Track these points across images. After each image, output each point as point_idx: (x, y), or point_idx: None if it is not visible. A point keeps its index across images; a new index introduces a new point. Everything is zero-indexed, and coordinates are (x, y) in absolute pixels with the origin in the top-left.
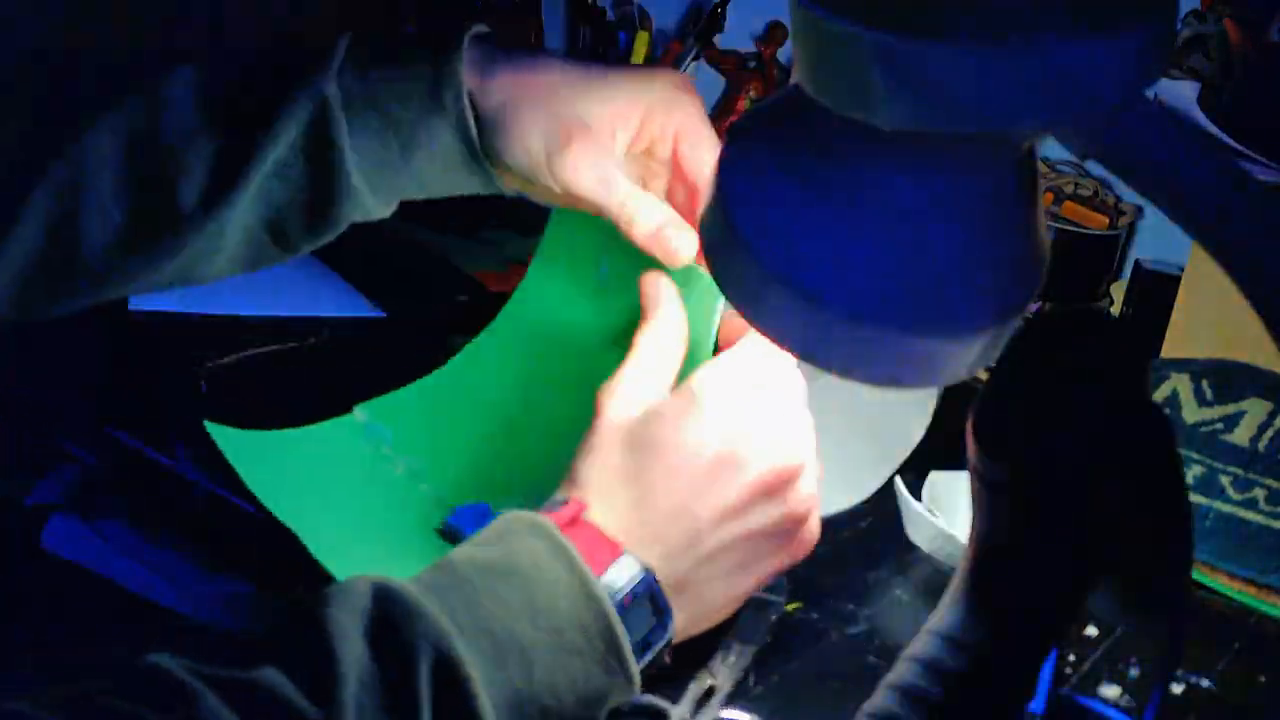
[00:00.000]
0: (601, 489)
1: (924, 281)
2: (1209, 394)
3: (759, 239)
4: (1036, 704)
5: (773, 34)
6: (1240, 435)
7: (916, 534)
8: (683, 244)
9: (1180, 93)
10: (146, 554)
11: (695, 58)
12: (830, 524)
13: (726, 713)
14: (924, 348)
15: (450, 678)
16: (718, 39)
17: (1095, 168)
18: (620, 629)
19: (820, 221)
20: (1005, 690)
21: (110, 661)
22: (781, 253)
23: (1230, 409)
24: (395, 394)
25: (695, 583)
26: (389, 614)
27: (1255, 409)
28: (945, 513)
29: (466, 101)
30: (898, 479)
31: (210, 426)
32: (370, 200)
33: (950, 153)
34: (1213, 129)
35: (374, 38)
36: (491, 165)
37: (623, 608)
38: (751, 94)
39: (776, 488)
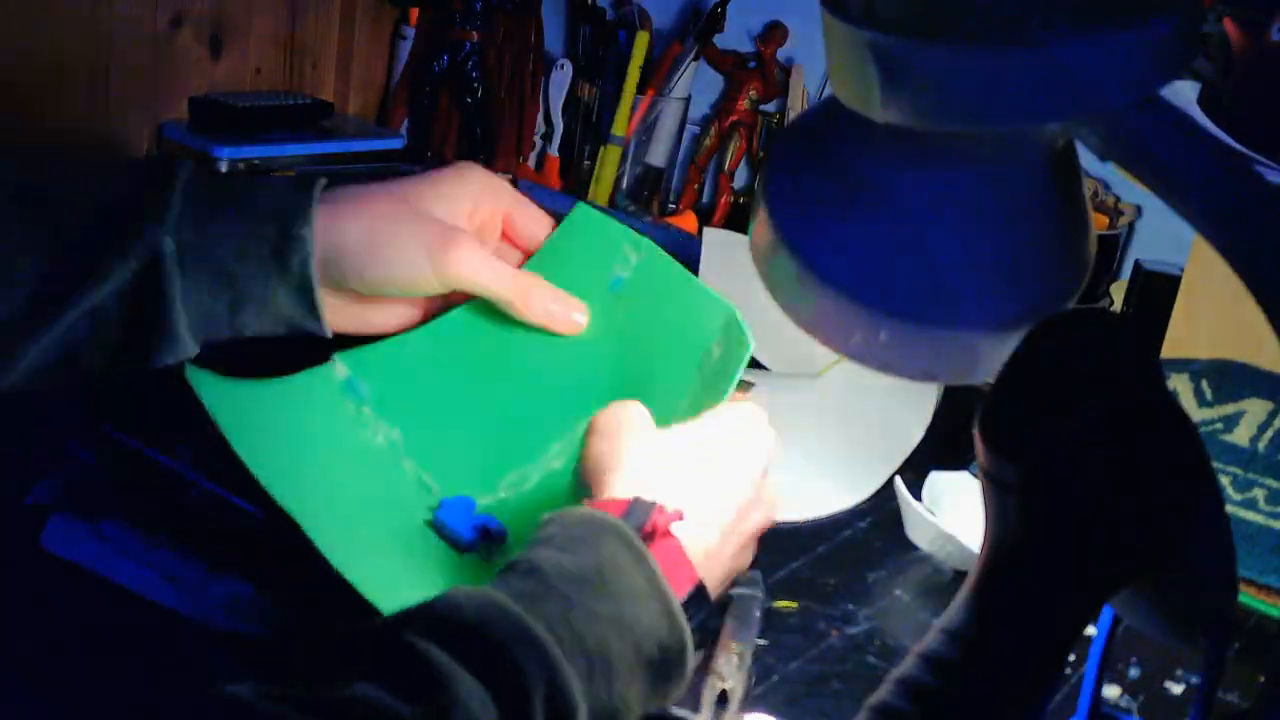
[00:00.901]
0: (667, 495)
1: (959, 278)
2: (1209, 394)
3: (800, 242)
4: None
5: (772, 34)
6: (1240, 435)
7: (916, 534)
8: (572, 312)
9: (1180, 93)
10: (146, 554)
11: (695, 58)
12: (830, 524)
13: (749, 717)
14: (960, 343)
15: (561, 705)
16: (717, 39)
17: (1095, 168)
18: (691, 648)
19: (858, 223)
20: (1006, 688)
21: (185, 695)
22: (821, 254)
23: (1230, 409)
24: (376, 345)
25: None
26: (498, 635)
27: (1255, 409)
28: (945, 513)
29: (314, 264)
30: (898, 479)
31: (190, 372)
32: (189, 344)
33: (982, 152)
34: (1213, 129)
35: (216, 179)
36: (341, 296)
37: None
38: (751, 94)
39: (764, 493)
